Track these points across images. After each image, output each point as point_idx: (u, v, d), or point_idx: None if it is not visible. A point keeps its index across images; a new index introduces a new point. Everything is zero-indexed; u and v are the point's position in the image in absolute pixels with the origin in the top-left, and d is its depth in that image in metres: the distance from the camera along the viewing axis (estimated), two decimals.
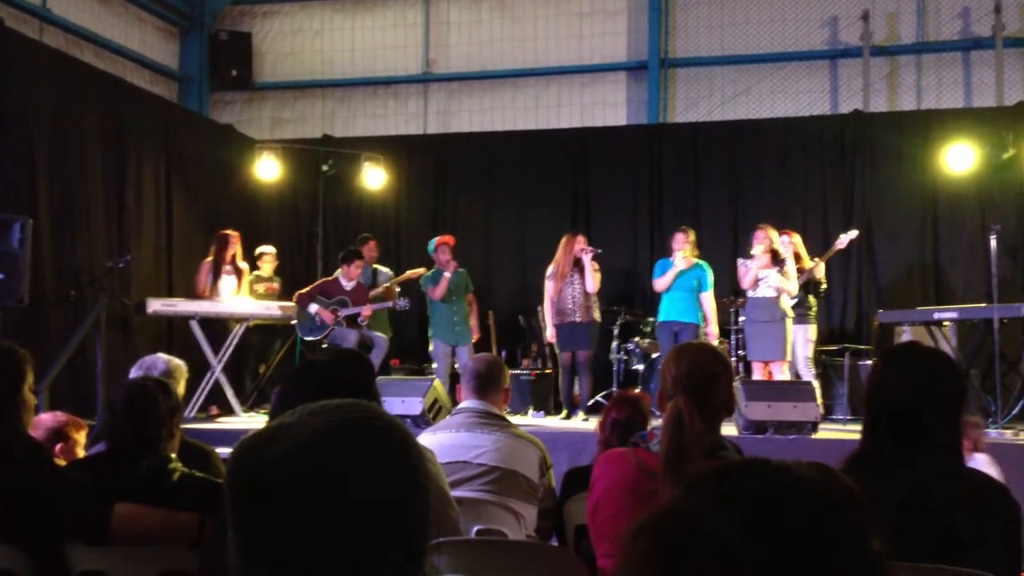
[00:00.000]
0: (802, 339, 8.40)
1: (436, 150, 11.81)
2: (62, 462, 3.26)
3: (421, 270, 9.53)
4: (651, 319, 9.34)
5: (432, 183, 11.71)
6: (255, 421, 8.25)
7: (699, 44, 11.53)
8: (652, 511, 0.92)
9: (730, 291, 9.58)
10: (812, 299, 8.64)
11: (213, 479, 2.91)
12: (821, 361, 9.06)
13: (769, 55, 11.26)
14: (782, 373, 8.12)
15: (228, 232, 9.12)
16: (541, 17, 11.97)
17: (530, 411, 9.23)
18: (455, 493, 3.24)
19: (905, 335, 8.66)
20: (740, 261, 8.52)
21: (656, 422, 2.72)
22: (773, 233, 8.35)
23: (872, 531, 0.90)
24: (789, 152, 10.74)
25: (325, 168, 10.73)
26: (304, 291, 8.99)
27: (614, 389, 9.40)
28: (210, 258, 9.03)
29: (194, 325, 8.59)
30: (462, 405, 3.80)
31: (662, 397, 2.54)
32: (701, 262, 8.63)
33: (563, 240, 8.68)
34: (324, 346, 8.82)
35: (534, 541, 3.40)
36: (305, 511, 1.00)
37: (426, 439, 3.60)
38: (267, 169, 10.55)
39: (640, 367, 9.65)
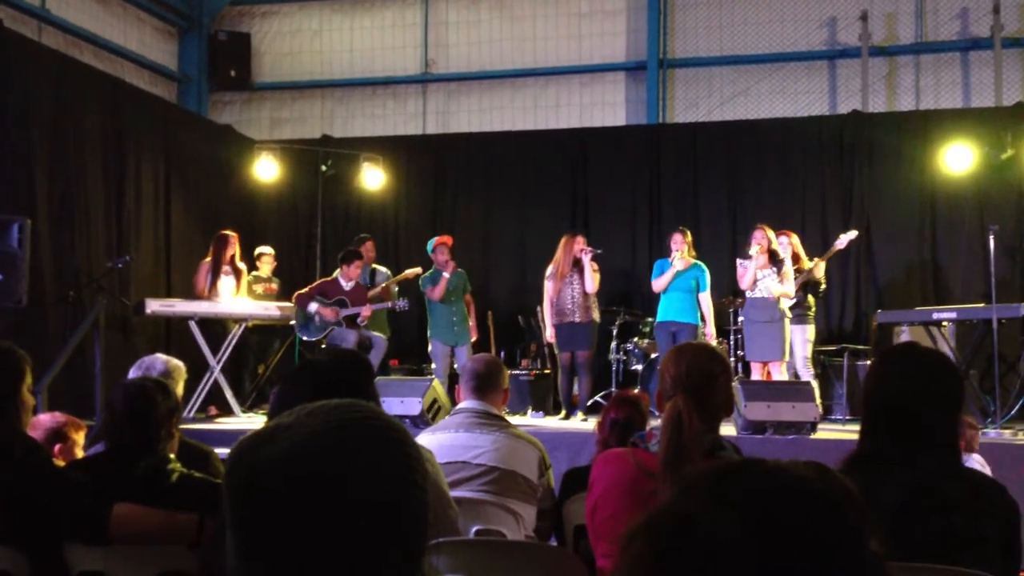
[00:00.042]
0: (801, 339, 8.40)
1: (435, 150, 11.81)
2: (61, 462, 3.26)
3: (417, 269, 9.53)
4: (650, 319, 9.34)
5: (431, 183, 11.71)
6: (254, 421, 8.25)
7: (698, 44, 11.54)
8: (650, 511, 0.92)
9: (729, 291, 9.59)
10: (811, 299, 8.65)
11: (212, 479, 2.91)
12: (820, 361, 9.06)
13: (768, 55, 11.27)
14: (780, 373, 8.13)
15: (227, 233, 9.12)
16: (540, 17, 11.98)
17: (529, 411, 9.23)
18: (454, 493, 3.24)
19: (904, 335, 8.66)
20: (739, 261, 8.53)
21: (655, 422, 2.72)
22: (771, 233, 8.36)
23: (870, 531, 0.90)
24: (788, 152, 10.74)
25: (324, 168, 10.74)
26: (303, 291, 8.99)
27: (613, 389, 9.40)
28: (209, 258, 9.02)
29: (193, 325, 8.59)
30: (461, 405, 3.80)
31: (661, 397, 2.54)
32: (699, 262, 8.63)
33: (563, 240, 8.69)
34: (323, 346, 8.82)
35: (533, 541, 3.40)
36: (303, 511, 1.00)
37: (425, 439, 3.60)
38: (266, 169, 10.55)
39: (639, 367, 9.66)
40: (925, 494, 2.15)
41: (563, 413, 8.64)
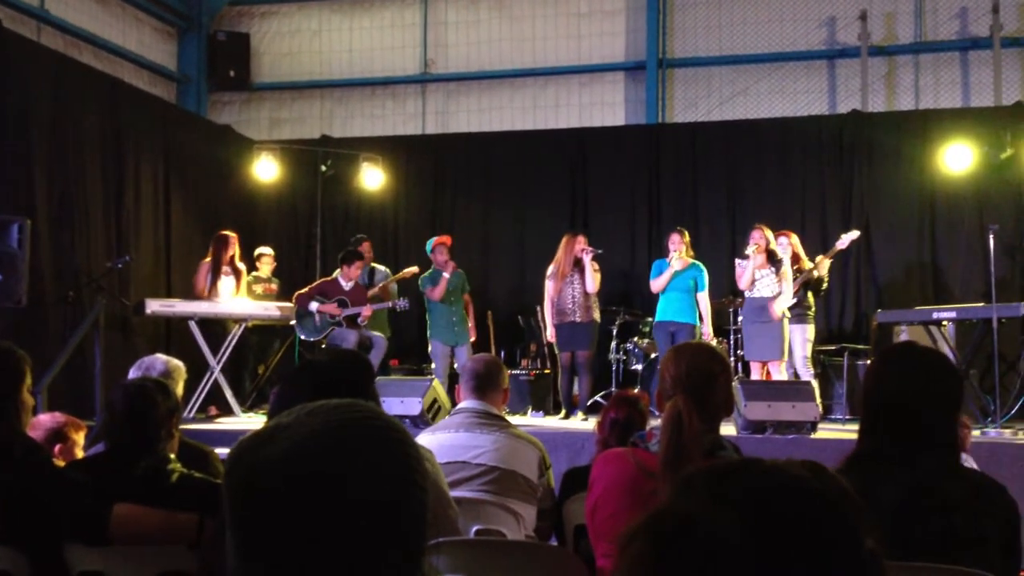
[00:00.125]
0: (800, 339, 8.40)
1: (434, 150, 11.81)
2: (61, 463, 3.25)
3: (414, 269, 9.54)
4: (650, 319, 9.34)
5: (430, 183, 11.71)
6: (254, 421, 8.25)
7: (697, 44, 11.54)
8: (649, 511, 0.92)
9: (728, 291, 9.59)
10: (811, 299, 8.65)
11: (212, 479, 2.91)
12: (820, 361, 9.07)
13: (767, 55, 11.27)
14: (780, 373, 8.13)
15: (227, 233, 9.12)
16: (539, 17, 11.98)
17: (529, 411, 9.23)
18: (454, 493, 3.24)
19: (903, 335, 8.66)
20: (737, 261, 8.53)
21: (655, 422, 2.72)
22: (769, 233, 8.36)
23: (867, 530, 0.90)
24: (787, 152, 10.74)
25: (323, 169, 10.74)
26: (303, 291, 9.00)
27: (613, 389, 9.40)
28: (208, 259, 9.03)
29: (193, 326, 8.59)
30: (461, 405, 3.80)
31: (661, 397, 2.54)
32: (697, 262, 8.64)
33: (563, 240, 8.69)
34: (323, 346, 8.83)
35: (533, 541, 3.40)
36: (303, 511, 1.00)
37: (425, 439, 3.60)
38: (265, 170, 10.55)
39: (639, 367, 9.66)
40: (925, 494, 2.15)
41: (563, 413, 8.65)
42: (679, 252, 8.49)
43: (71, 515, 2.68)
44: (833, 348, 9.34)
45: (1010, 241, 9.71)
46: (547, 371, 9.75)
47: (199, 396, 8.45)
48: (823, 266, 8.76)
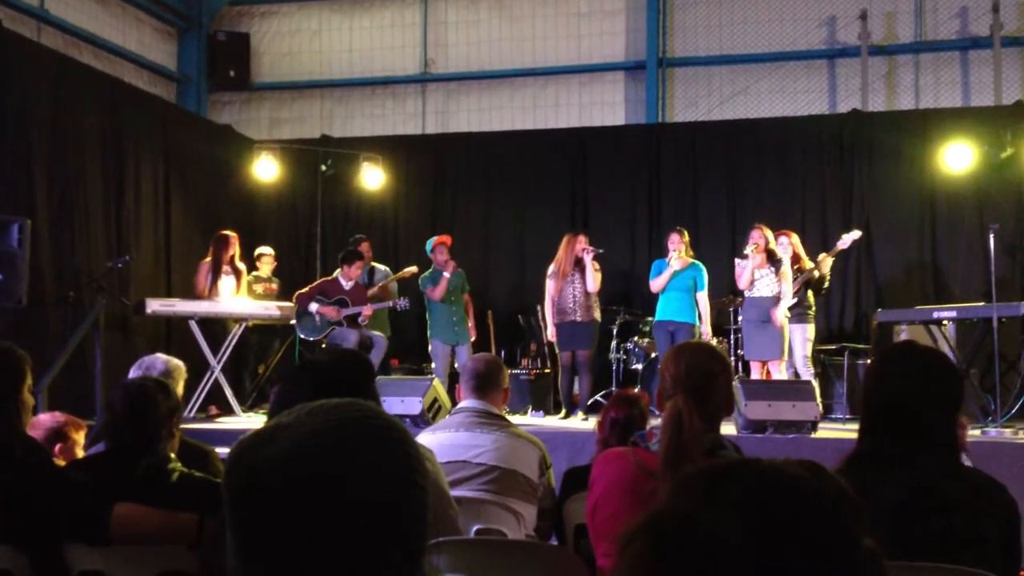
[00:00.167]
0: (801, 338, 8.40)
1: (434, 150, 11.80)
2: (61, 462, 3.25)
3: (413, 268, 9.55)
4: (650, 319, 9.34)
5: (430, 183, 11.71)
6: (254, 421, 8.25)
7: (697, 44, 11.54)
8: (648, 511, 0.93)
9: (728, 291, 9.59)
10: (811, 298, 8.65)
11: (212, 479, 2.90)
12: (820, 360, 9.06)
13: (767, 55, 11.27)
14: (780, 372, 8.13)
15: (227, 233, 9.12)
16: (539, 17, 11.98)
17: (529, 410, 9.23)
18: (454, 492, 3.24)
19: (904, 334, 8.66)
20: (737, 261, 8.53)
21: (655, 421, 2.72)
22: (769, 233, 8.36)
23: (864, 529, 0.91)
24: (788, 152, 10.74)
25: (323, 168, 10.74)
26: (303, 291, 9.00)
27: (613, 389, 9.41)
28: (209, 258, 9.03)
29: (193, 325, 8.59)
30: (461, 405, 3.80)
31: (661, 396, 2.54)
32: (696, 262, 8.64)
33: (564, 239, 8.70)
34: (323, 346, 8.83)
35: (533, 540, 3.40)
36: (303, 511, 1.00)
37: (425, 439, 3.60)
38: (265, 169, 10.56)
39: (639, 367, 9.66)
40: (925, 494, 2.15)
41: (563, 412, 8.65)
42: (678, 252, 8.49)
43: (71, 515, 2.68)
44: (833, 347, 9.34)
45: (1010, 240, 9.71)
46: (547, 371, 9.75)
47: (199, 396, 8.45)
48: (826, 264, 8.76)
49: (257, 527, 1.01)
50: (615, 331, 9.87)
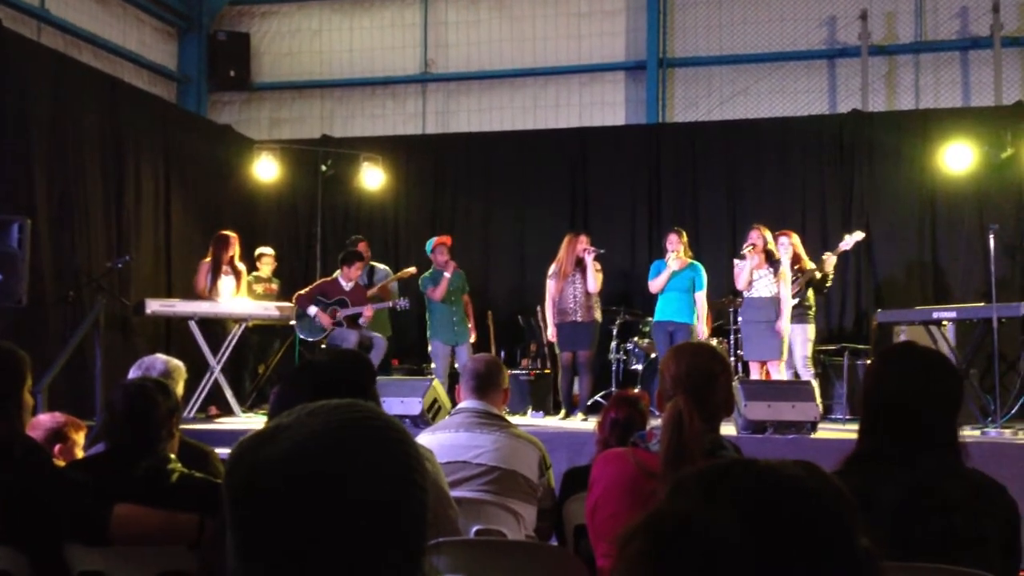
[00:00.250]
0: (801, 339, 8.40)
1: (434, 150, 11.81)
2: (61, 463, 3.25)
3: (412, 269, 9.56)
4: (650, 319, 9.33)
5: (431, 183, 11.71)
6: (254, 421, 8.25)
7: (697, 44, 11.54)
8: (648, 512, 0.93)
9: (728, 291, 9.58)
10: (811, 298, 8.65)
11: (212, 479, 2.91)
12: (820, 361, 9.06)
13: (767, 55, 11.27)
14: (779, 372, 8.13)
15: (227, 233, 9.12)
16: (539, 17, 11.98)
17: (529, 411, 9.23)
18: (454, 493, 3.24)
19: (904, 335, 8.66)
20: (735, 261, 8.53)
21: (655, 422, 2.72)
22: (767, 233, 8.36)
23: (861, 528, 0.91)
24: (788, 152, 10.74)
25: (324, 168, 10.74)
26: (303, 292, 9.01)
27: (613, 389, 9.41)
28: (208, 259, 9.03)
29: (193, 326, 8.59)
30: (461, 405, 3.80)
31: (661, 397, 2.54)
32: (695, 262, 8.64)
33: (566, 239, 8.70)
34: (323, 346, 8.83)
35: (533, 541, 3.40)
36: (303, 511, 1.00)
37: (425, 439, 3.60)
38: (265, 169, 10.56)
39: (639, 367, 9.66)
40: (925, 494, 2.15)
41: (563, 413, 8.65)
42: (677, 252, 8.49)
43: (71, 515, 2.68)
44: (833, 348, 9.34)
45: (1010, 241, 9.71)
46: (547, 371, 9.75)
47: (199, 396, 8.45)
48: (829, 263, 8.76)
49: (257, 527, 1.02)
50: (615, 331, 9.87)
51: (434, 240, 9.28)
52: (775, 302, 8.17)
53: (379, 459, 1.05)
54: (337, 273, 9.10)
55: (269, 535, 1.01)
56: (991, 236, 7.92)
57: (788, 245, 8.60)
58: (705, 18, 11.52)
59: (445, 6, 12.23)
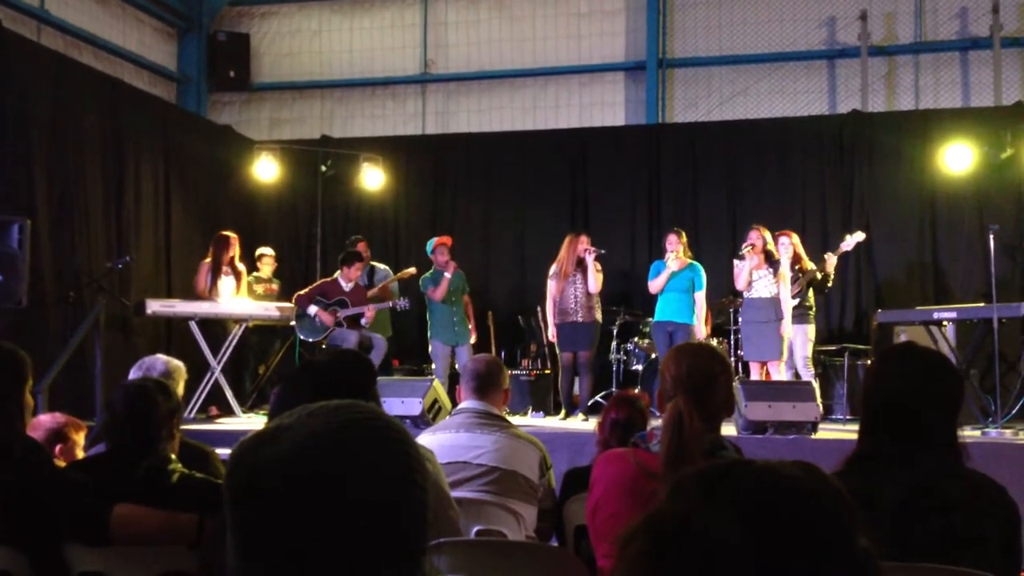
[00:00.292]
0: (801, 339, 8.40)
1: (434, 151, 11.81)
2: (61, 463, 3.26)
3: (413, 270, 9.56)
4: (650, 319, 9.34)
5: (430, 184, 11.71)
6: (254, 422, 8.25)
7: (697, 44, 11.54)
8: (648, 512, 0.93)
9: (728, 291, 9.59)
10: (812, 299, 8.65)
11: (212, 480, 2.91)
12: (820, 361, 9.06)
13: (767, 55, 11.27)
14: (779, 373, 8.13)
15: (227, 234, 9.12)
16: (539, 17, 11.98)
17: (529, 411, 9.23)
18: (455, 493, 3.24)
19: (904, 335, 8.66)
20: (735, 262, 8.54)
21: (655, 422, 2.72)
22: (767, 234, 8.36)
23: (859, 528, 0.92)
24: (788, 152, 10.74)
25: (324, 169, 10.74)
26: (303, 292, 9.01)
27: (613, 389, 9.41)
28: (209, 259, 9.03)
29: (193, 326, 8.59)
30: (462, 406, 3.80)
31: (662, 397, 2.54)
32: (694, 262, 8.65)
33: (567, 240, 8.70)
34: (323, 347, 8.83)
35: (534, 542, 3.40)
36: (303, 511, 1.00)
37: (426, 439, 3.60)
38: (265, 170, 10.56)
39: (639, 367, 9.66)
40: (925, 494, 2.15)
41: (563, 413, 8.65)
42: (676, 252, 8.49)
43: (71, 515, 2.68)
44: (834, 348, 9.34)
45: (1010, 241, 9.71)
46: (547, 371, 9.75)
47: (200, 396, 8.45)
48: (830, 264, 8.77)
49: (258, 527, 1.02)
50: (615, 332, 9.88)
51: (434, 240, 9.28)
52: (775, 302, 8.17)
53: (379, 459, 1.05)
54: (337, 274, 9.10)
55: (269, 535, 1.01)
56: (991, 236, 7.92)
57: (788, 245, 8.60)
58: (705, 18, 11.52)
59: (445, 6, 12.23)
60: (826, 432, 7.10)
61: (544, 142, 11.46)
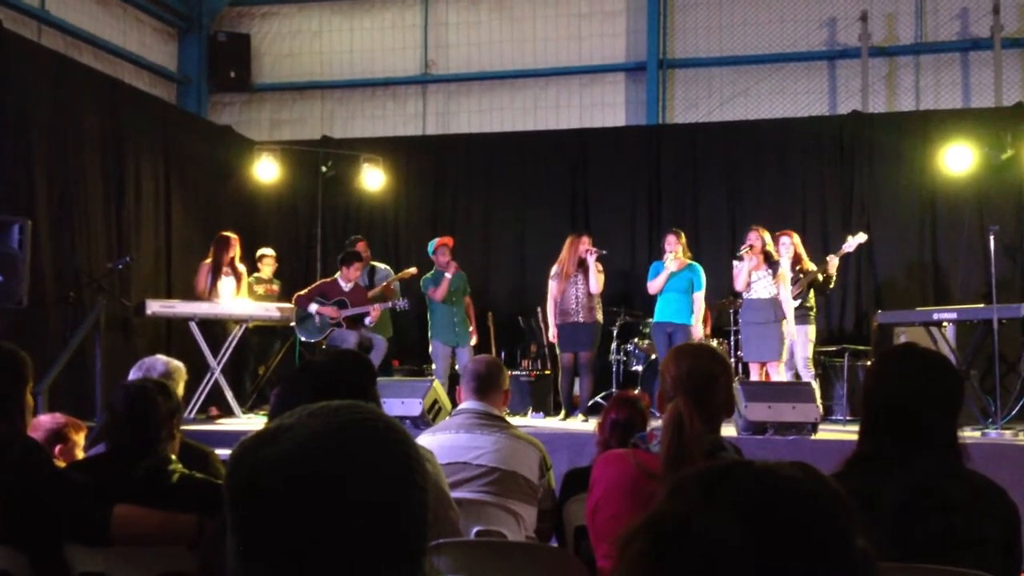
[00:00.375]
0: (802, 340, 8.40)
1: (435, 151, 11.81)
2: (61, 463, 3.26)
3: (414, 270, 9.56)
4: (650, 320, 9.34)
5: (431, 184, 11.71)
6: (254, 422, 8.25)
7: (698, 45, 11.54)
8: (648, 513, 0.93)
9: (728, 292, 9.58)
10: (812, 299, 8.65)
11: (212, 480, 2.91)
12: (820, 362, 9.06)
13: (768, 56, 11.27)
14: (779, 373, 8.13)
15: (228, 234, 9.13)
16: (540, 18, 11.98)
17: (529, 412, 9.23)
18: (455, 494, 3.24)
19: (904, 336, 8.66)
20: (734, 263, 8.54)
21: (655, 423, 2.72)
22: (766, 235, 8.36)
23: (858, 528, 0.92)
24: (788, 153, 10.74)
25: (324, 169, 10.73)
26: (303, 293, 9.01)
27: (613, 390, 9.40)
28: (209, 260, 9.03)
29: (193, 327, 8.59)
30: (462, 406, 3.80)
31: (662, 398, 2.54)
32: (693, 263, 8.64)
33: (568, 240, 8.70)
34: (323, 347, 8.83)
35: (534, 542, 3.40)
36: (303, 512, 1.00)
37: (426, 440, 3.60)
38: (266, 170, 10.56)
39: (639, 368, 9.66)
40: (925, 494, 2.15)
41: (563, 414, 8.64)
42: (675, 253, 8.49)
43: (71, 516, 2.68)
44: (834, 349, 9.34)
45: (1011, 242, 9.71)
46: (547, 372, 9.75)
47: (199, 397, 8.45)
48: (832, 265, 8.76)
49: (258, 527, 1.02)
50: (615, 333, 9.87)
51: (436, 241, 9.29)
52: (774, 303, 8.16)
53: (379, 460, 1.05)
54: (337, 274, 9.11)
55: (269, 535, 1.01)
56: (991, 237, 7.92)
57: (789, 245, 8.60)
58: (705, 19, 11.53)
59: (446, 7, 12.23)
60: (826, 433, 7.10)
61: (544, 143, 11.46)
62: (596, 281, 8.51)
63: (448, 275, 9.02)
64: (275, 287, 9.74)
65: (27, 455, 2.83)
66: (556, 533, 3.71)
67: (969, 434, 6.73)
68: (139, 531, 2.69)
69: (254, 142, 11.42)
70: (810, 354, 8.46)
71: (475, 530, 3.32)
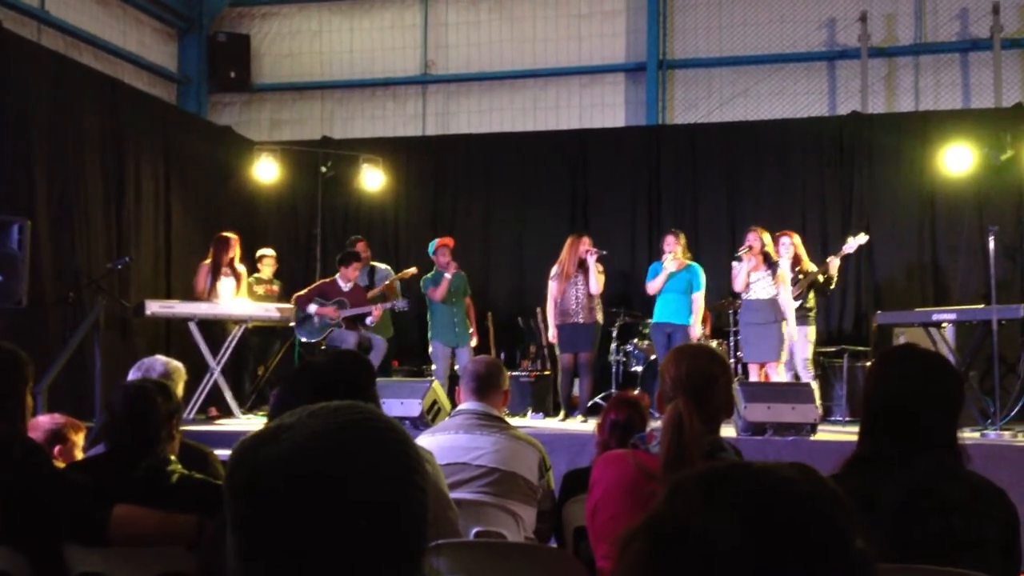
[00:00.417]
0: (801, 341, 8.40)
1: (435, 151, 11.81)
2: (61, 464, 3.25)
3: (414, 270, 9.56)
4: (650, 321, 9.35)
5: (431, 184, 11.71)
6: (253, 423, 8.24)
7: (697, 45, 11.54)
8: (647, 514, 0.93)
9: (728, 293, 9.58)
10: (812, 300, 8.65)
11: (212, 480, 2.91)
12: (820, 363, 9.06)
13: (767, 56, 11.28)
14: (778, 374, 8.13)
15: (227, 235, 9.12)
16: (540, 18, 11.98)
17: (529, 412, 9.23)
18: (454, 495, 3.24)
19: (903, 337, 8.65)
20: (733, 264, 8.54)
21: (655, 424, 2.72)
22: (765, 236, 8.36)
23: (856, 529, 0.92)
24: (787, 153, 10.74)
25: (324, 170, 10.73)
26: (302, 293, 9.01)
27: (613, 391, 9.40)
28: (208, 260, 9.03)
29: (193, 327, 8.59)
30: (461, 407, 3.80)
31: (661, 399, 2.54)
32: (693, 263, 8.64)
33: (568, 241, 8.69)
34: (323, 347, 8.83)
35: (533, 543, 3.40)
36: (303, 512, 1.00)
37: (425, 441, 3.60)
38: (266, 171, 10.56)
39: (639, 368, 9.66)
40: (924, 495, 2.15)
41: (563, 414, 8.64)
42: (674, 253, 8.49)
43: (71, 516, 2.68)
44: (833, 350, 9.33)
45: (1010, 243, 9.70)
46: (547, 372, 9.75)
47: (199, 397, 8.45)
48: (832, 266, 8.76)
49: (258, 527, 1.02)
50: (615, 333, 9.87)
51: (436, 241, 9.28)
52: (773, 304, 8.16)
53: (379, 460, 1.05)
54: (336, 275, 9.11)
55: (269, 535, 1.01)
56: (991, 238, 7.91)
57: (789, 245, 8.60)
58: (705, 20, 11.53)
59: (445, 7, 12.23)
60: (825, 434, 7.11)
61: (544, 143, 11.46)
62: (596, 282, 8.50)
63: (448, 275, 9.02)
64: (275, 287, 9.74)
65: (27, 455, 2.83)
66: (555, 534, 3.71)
67: (968, 435, 6.72)
68: (138, 531, 2.69)
69: (254, 142, 11.42)
70: (810, 355, 8.46)
71: (474, 531, 3.32)
